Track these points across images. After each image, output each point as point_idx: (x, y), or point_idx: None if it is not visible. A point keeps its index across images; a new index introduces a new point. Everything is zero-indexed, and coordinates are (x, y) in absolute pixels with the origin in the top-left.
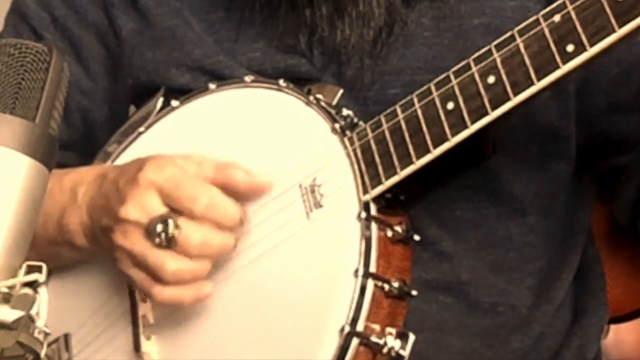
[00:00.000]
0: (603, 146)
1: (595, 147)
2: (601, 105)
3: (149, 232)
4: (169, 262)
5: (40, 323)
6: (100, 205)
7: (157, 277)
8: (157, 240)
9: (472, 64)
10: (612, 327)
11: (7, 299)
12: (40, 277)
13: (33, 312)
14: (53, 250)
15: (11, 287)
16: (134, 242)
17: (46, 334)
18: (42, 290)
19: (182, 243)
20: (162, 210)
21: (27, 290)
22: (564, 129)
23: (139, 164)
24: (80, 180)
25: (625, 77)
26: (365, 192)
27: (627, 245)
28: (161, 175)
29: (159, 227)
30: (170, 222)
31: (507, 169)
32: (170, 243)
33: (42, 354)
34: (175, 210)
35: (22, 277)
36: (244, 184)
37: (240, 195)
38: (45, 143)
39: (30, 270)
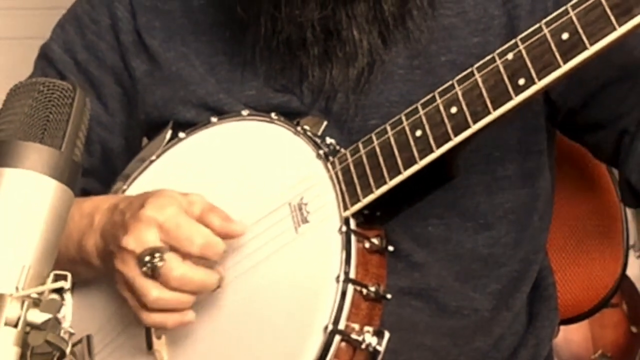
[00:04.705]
0: (600, 118)
1: (591, 119)
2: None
3: (139, 261)
4: (152, 291)
5: (65, 324)
6: (109, 232)
7: (141, 302)
8: (144, 269)
9: (437, 96)
10: (562, 327)
11: (37, 303)
12: (66, 284)
13: (60, 315)
14: (73, 268)
15: (40, 293)
16: (128, 268)
17: (71, 334)
18: (67, 296)
19: (164, 275)
20: (155, 244)
21: (54, 296)
22: (535, 144)
23: (143, 200)
24: (97, 208)
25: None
26: (346, 208)
27: (577, 259)
28: (161, 214)
29: (147, 258)
30: (157, 255)
31: (475, 188)
32: (154, 273)
33: (68, 351)
34: (172, 247)
35: (49, 285)
36: (219, 229)
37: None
38: (69, 168)
39: (57, 278)
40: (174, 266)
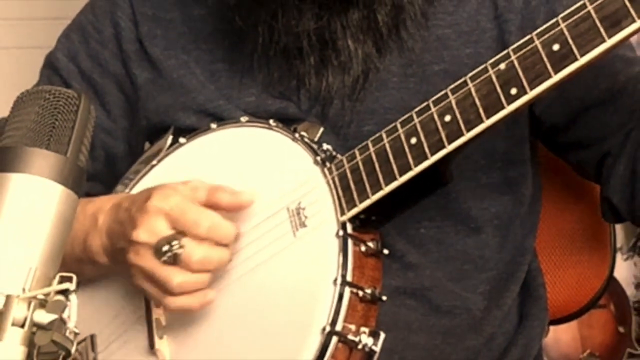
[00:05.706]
0: (584, 138)
1: (574, 138)
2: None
3: (157, 251)
4: (175, 276)
5: (70, 325)
6: (116, 230)
7: (165, 289)
8: (164, 258)
9: (431, 105)
10: (552, 328)
11: (43, 304)
12: (71, 285)
13: (65, 315)
14: (79, 267)
15: (46, 294)
16: (145, 260)
17: (76, 334)
18: (73, 297)
19: (185, 260)
20: (168, 232)
21: (60, 297)
22: (519, 154)
23: (147, 194)
24: (100, 208)
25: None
26: (343, 213)
27: (566, 261)
28: (167, 203)
29: (165, 247)
30: (175, 242)
31: (465, 193)
32: (175, 260)
33: (73, 350)
34: (181, 232)
35: (55, 286)
36: (228, 202)
37: (228, 212)
38: (75, 173)
39: (63, 280)
40: (194, 251)
